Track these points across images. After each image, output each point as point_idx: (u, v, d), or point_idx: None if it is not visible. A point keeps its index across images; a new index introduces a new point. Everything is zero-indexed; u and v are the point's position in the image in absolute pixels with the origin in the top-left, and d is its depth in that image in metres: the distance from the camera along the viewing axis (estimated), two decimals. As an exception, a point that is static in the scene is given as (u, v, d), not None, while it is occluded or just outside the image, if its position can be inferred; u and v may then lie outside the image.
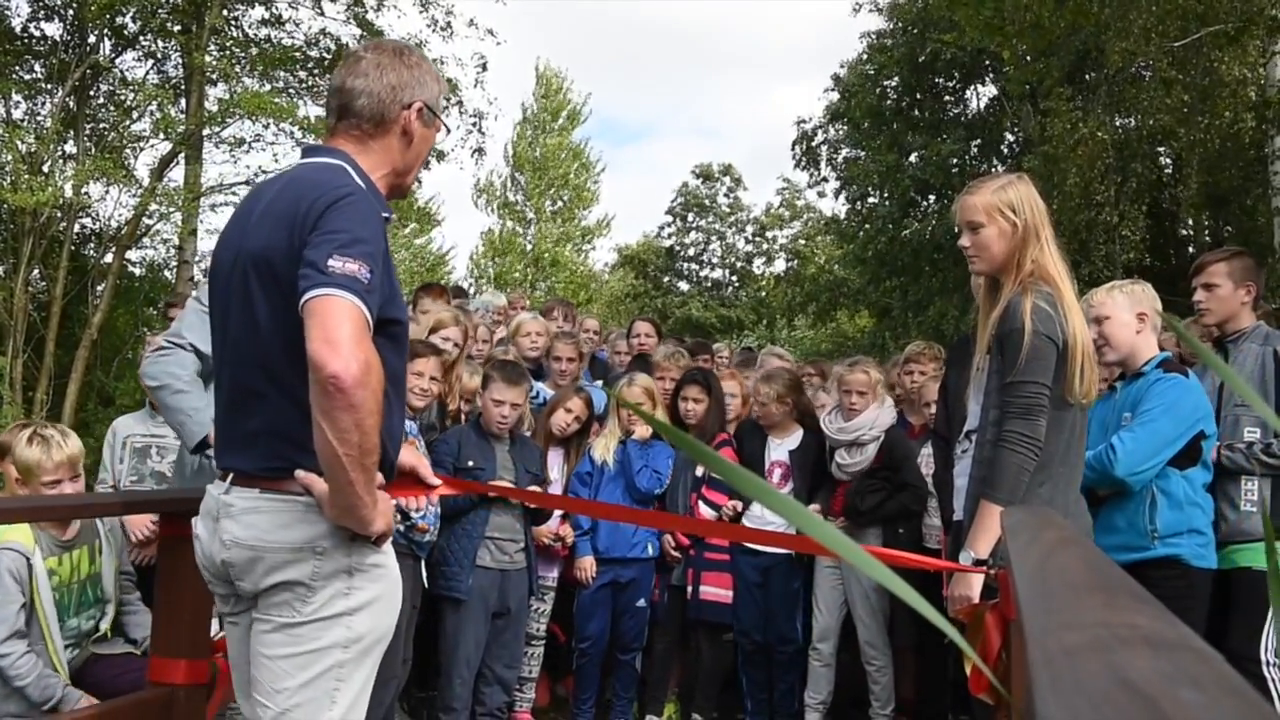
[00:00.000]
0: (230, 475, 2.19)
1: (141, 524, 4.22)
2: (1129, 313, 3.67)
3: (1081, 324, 2.93)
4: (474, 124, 16.45)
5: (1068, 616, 0.84)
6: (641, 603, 5.06)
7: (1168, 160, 15.50)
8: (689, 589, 5.11)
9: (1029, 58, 14.11)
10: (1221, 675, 0.61)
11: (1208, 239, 15.93)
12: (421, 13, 15.39)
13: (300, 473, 2.07)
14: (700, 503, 5.15)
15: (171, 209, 13.67)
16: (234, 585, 2.20)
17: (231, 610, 2.29)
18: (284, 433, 2.07)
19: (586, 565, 4.99)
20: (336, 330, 1.91)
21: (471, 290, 13.13)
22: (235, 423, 2.21)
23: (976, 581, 2.77)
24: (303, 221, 2.04)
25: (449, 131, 2.48)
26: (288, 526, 2.11)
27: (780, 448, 5.22)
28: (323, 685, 2.12)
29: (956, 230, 3.18)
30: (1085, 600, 0.93)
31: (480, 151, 16.91)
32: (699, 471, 5.21)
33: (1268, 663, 3.53)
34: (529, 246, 28.60)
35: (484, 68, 16.17)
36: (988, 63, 18.79)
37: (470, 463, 4.57)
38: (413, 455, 2.62)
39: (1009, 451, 2.83)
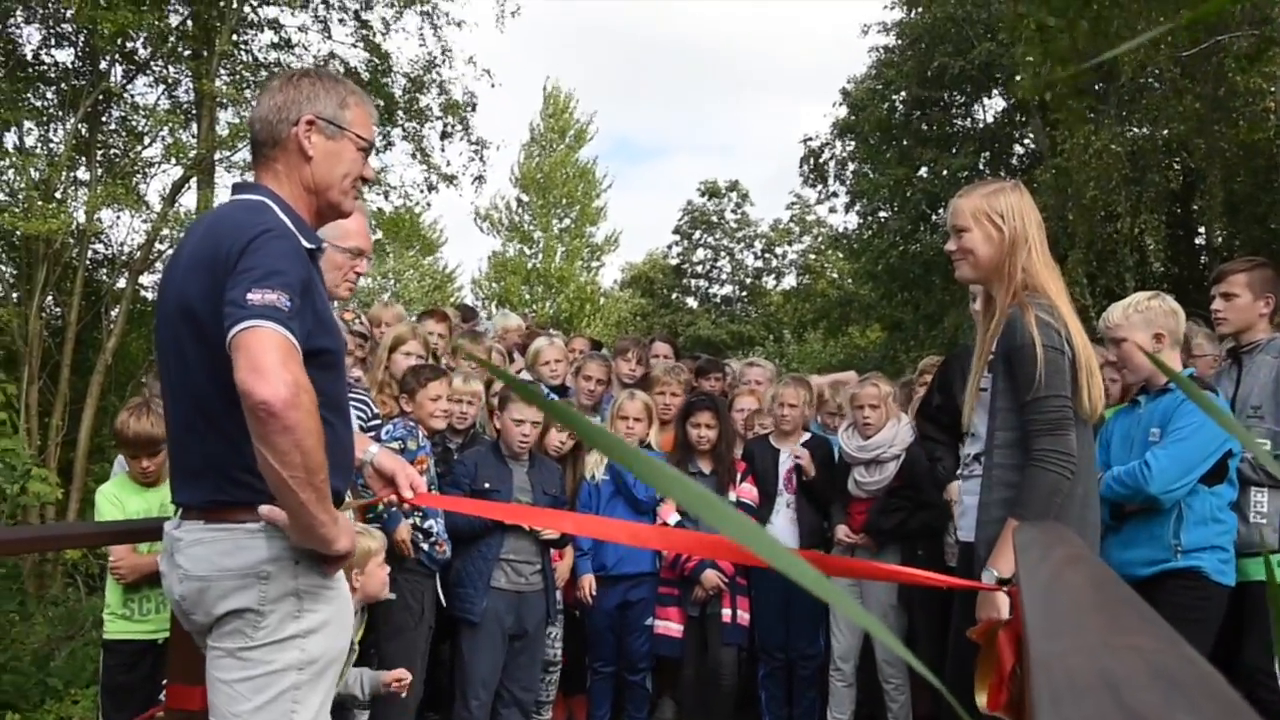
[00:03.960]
0: (180, 510, 2.27)
1: None
2: (1145, 332, 3.65)
3: (1083, 337, 2.88)
4: (475, 152, 16.51)
5: (1072, 640, 0.85)
6: (649, 621, 5.05)
7: (1179, 169, 15.48)
8: (727, 612, 5.06)
9: (1044, 69, 14.13)
10: (1220, 697, 0.62)
11: (1220, 246, 15.88)
12: (420, 45, 15.55)
13: (264, 508, 2.13)
14: None
15: (184, 234, 13.73)
16: (187, 621, 2.27)
17: (200, 636, 2.34)
18: (220, 467, 2.14)
19: (586, 584, 5.00)
20: (261, 357, 1.96)
21: (481, 312, 13.16)
22: (180, 458, 2.29)
23: (1003, 601, 2.72)
24: (223, 265, 2.09)
25: (369, 144, 2.45)
26: (230, 554, 2.16)
27: (790, 457, 5.23)
28: (279, 707, 2.17)
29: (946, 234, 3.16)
30: (1089, 620, 0.94)
31: (480, 179, 16.96)
32: (732, 496, 5.17)
33: (1283, 675, 3.51)
34: (533, 265, 28.69)
35: (473, 108, 16.23)
36: (997, 76, 18.80)
37: (487, 484, 4.57)
38: (394, 460, 2.69)
39: (1041, 470, 2.75)
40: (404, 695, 3.92)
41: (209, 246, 2.17)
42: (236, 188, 2.43)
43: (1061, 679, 0.69)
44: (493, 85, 17.47)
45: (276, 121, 2.34)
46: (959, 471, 3.20)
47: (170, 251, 13.99)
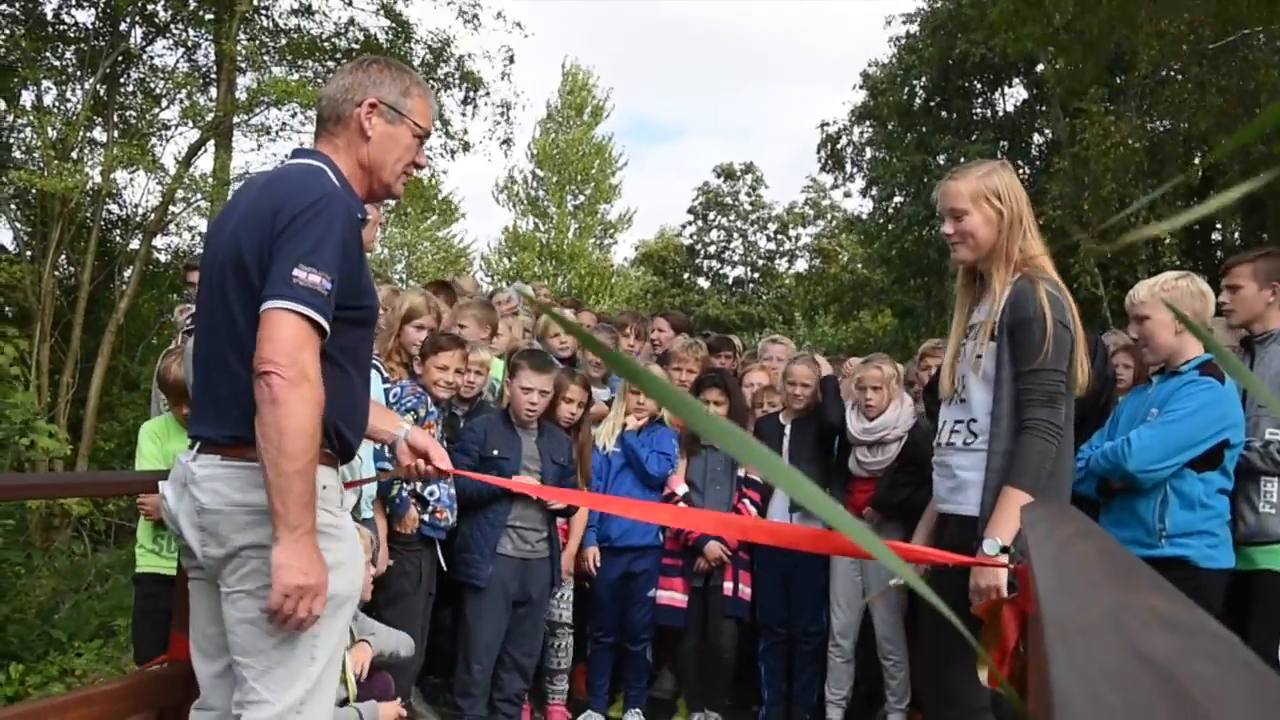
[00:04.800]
0: (198, 443, 2.35)
1: None
2: (1169, 312, 3.64)
3: (1076, 315, 2.94)
4: (501, 115, 16.46)
5: (1084, 599, 0.85)
6: (651, 592, 5.08)
7: (1197, 164, 15.39)
8: (729, 585, 5.10)
9: (1064, 65, 14.05)
10: (1235, 651, 0.62)
11: (1237, 244, 15.79)
12: (449, 3, 15.42)
13: None
14: (744, 502, 5.15)
15: (199, 196, 13.77)
16: (201, 553, 2.32)
17: (195, 564, 2.41)
18: (247, 404, 2.21)
19: (591, 555, 5.03)
20: (283, 341, 2.14)
21: (488, 285, 13.18)
22: (206, 394, 2.37)
23: (1002, 571, 2.76)
24: (272, 225, 2.23)
25: (426, 133, 2.57)
26: (243, 490, 2.25)
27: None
28: (302, 642, 2.25)
29: (939, 218, 3.16)
30: (1102, 585, 0.94)
31: (508, 143, 16.92)
32: (740, 472, 5.21)
33: (1289, 664, 3.51)
34: (547, 240, 28.69)
35: (510, 59, 16.16)
36: (1018, 65, 18.69)
37: (496, 452, 4.58)
38: (426, 437, 2.84)
39: (1035, 438, 2.82)
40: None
41: (265, 204, 2.29)
42: (295, 153, 2.57)
43: (1075, 631, 0.69)
44: (525, 36, 17.29)
45: (342, 100, 2.48)
46: (944, 440, 3.16)
47: (183, 213, 14.08)
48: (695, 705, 5.16)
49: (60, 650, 6.40)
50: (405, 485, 4.36)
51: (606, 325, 6.77)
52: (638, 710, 5.13)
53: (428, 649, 4.65)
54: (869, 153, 23.24)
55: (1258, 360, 3.92)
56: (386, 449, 4.17)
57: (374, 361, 4.60)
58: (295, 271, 2.16)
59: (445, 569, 4.57)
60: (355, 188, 2.47)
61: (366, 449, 3.90)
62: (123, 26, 13.51)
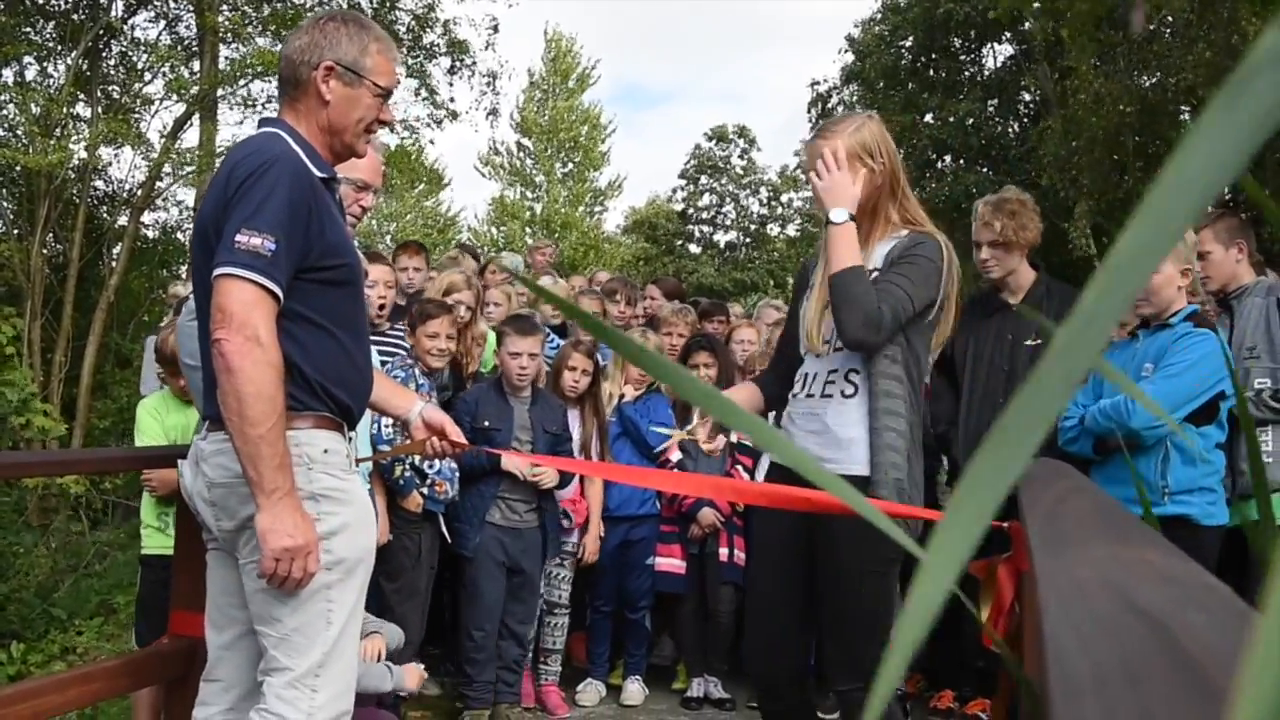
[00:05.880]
0: (208, 421, 2.39)
1: None
2: (1173, 265, 3.59)
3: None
4: (487, 85, 16.36)
5: (1079, 553, 0.85)
6: (650, 560, 5.09)
7: (1188, 120, 15.34)
8: (724, 551, 5.11)
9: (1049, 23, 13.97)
10: (1228, 601, 0.62)
11: (1229, 198, 15.74)
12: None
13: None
14: (736, 468, 5.16)
15: (186, 170, 13.67)
16: (215, 527, 2.38)
17: (212, 538, 2.45)
18: None
19: (594, 530, 5.03)
20: (230, 305, 2.16)
21: (483, 252, 13.12)
22: (207, 372, 2.37)
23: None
24: (224, 191, 2.26)
25: (387, 92, 2.51)
26: None
27: None
28: (315, 608, 2.28)
29: (805, 177, 3.06)
30: (1097, 539, 0.94)
31: (494, 113, 16.85)
32: (733, 438, 5.20)
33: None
34: (537, 209, 28.56)
35: (495, 29, 16.05)
36: (999, 20, 18.57)
37: (487, 422, 4.56)
38: (440, 414, 2.85)
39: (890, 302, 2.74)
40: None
41: (224, 171, 2.33)
42: (261, 122, 2.55)
43: (1068, 586, 0.69)
44: (510, 5, 17.15)
45: (299, 63, 2.44)
46: (816, 391, 2.93)
47: (170, 187, 14.00)
48: (695, 670, 5.18)
49: (61, 629, 6.43)
50: (406, 462, 4.32)
51: (596, 291, 6.77)
52: (638, 677, 5.16)
53: (428, 621, 4.66)
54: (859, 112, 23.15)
55: (1237, 315, 3.94)
56: (383, 429, 4.20)
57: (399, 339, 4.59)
58: (237, 236, 2.17)
59: (449, 541, 4.56)
60: (320, 150, 2.45)
61: (363, 432, 3.89)
62: None
